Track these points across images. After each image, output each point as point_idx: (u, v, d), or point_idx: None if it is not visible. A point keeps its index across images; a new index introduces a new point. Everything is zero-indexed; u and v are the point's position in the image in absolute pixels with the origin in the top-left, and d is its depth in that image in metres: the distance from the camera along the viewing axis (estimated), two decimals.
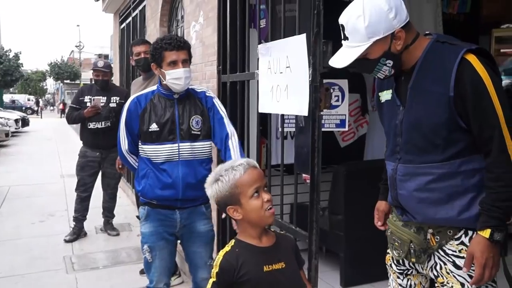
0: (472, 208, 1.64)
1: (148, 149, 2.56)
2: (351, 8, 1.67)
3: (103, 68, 4.83)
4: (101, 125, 4.78)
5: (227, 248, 1.69)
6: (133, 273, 4.00)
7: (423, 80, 1.67)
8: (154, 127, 2.55)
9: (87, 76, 44.29)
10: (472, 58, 1.57)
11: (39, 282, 3.90)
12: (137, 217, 2.76)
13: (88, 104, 4.78)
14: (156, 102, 2.60)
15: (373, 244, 3.68)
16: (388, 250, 1.97)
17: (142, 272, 3.95)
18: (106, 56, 34.51)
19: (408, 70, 1.72)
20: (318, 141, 2.07)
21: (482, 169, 1.62)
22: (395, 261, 1.93)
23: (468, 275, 1.65)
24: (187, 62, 2.56)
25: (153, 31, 5.26)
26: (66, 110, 4.96)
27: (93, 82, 5.05)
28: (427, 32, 1.78)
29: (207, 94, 2.68)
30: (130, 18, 7.03)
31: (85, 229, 5.14)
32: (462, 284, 1.66)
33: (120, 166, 3.79)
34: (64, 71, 48.26)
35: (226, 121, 2.65)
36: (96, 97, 4.77)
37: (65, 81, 50.49)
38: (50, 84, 71.42)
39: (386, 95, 1.85)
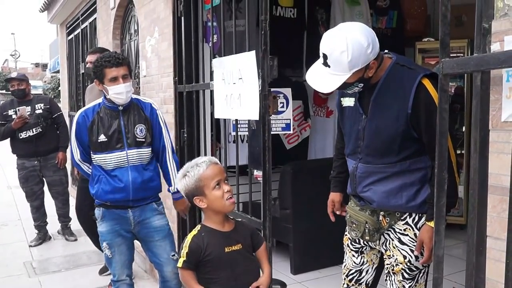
0: (417, 198, 2.00)
1: (98, 158, 2.78)
2: (335, 42, 1.86)
3: (17, 77, 5.02)
4: (32, 132, 4.91)
5: (194, 232, 2.02)
6: (96, 274, 4.20)
7: (384, 96, 1.99)
8: (102, 138, 2.76)
9: None
10: (426, 82, 1.89)
11: (3, 286, 4.02)
12: (93, 217, 2.97)
13: (14, 116, 4.88)
14: (102, 115, 2.79)
15: (318, 235, 4.12)
16: (346, 232, 2.31)
17: (101, 271, 4.17)
18: (45, 65, 33.48)
19: (371, 85, 2.01)
20: (268, 141, 2.43)
21: (426, 167, 1.99)
22: (352, 241, 2.28)
23: (410, 249, 2.03)
24: (127, 77, 2.76)
25: (106, 44, 5.46)
26: None
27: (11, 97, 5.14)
28: (386, 51, 2.06)
29: (152, 106, 2.92)
30: (78, 30, 7.14)
31: (49, 233, 5.30)
32: (404, 257, 2.04)
33: (76, 173, 4.01)
34: None
35: (165, 134, 2.92)
36: (20, 107, 4.87)
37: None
38: None
39: (348, 102, 2.17)
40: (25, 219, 6.22)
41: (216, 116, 2.93)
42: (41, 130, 4.91)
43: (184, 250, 1.95)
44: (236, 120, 2.86)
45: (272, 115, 2.54)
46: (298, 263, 4.07)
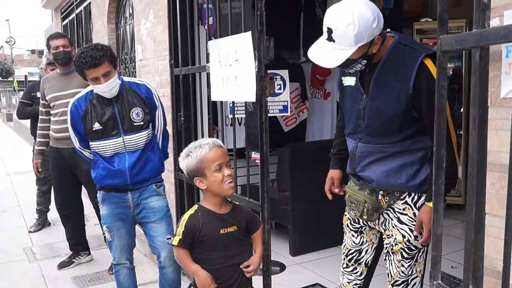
0: (417, 178, 1.99)
1: (95, 145, 2.77)
2: (340, 15, 1.82)
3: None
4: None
5: (191, 211, 2.03)
6: (96, 258, 4.21)
7: (385, 76, 1.95)
8: (97, 126, 2.73)
9: (21, 73, 42.48)
10: (428, 62, 1.86)
11: (3, 272, 4.04)
12: (95, 200, 2.98)
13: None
14: (95, 103, 2.75)
15: (317, 216, 4.14)
16: (346, 212, 2.31)
17: (60, 266, 4.11)
18: (41, 52, 33.27)
19: (373, 64, 1.97)
20: (265, 123, 2.41)
21: (426, 147, 1.97)
22: (351, 221, 2.28)
23: (409, 229, 2.03)
24: (109, 74, 2.65)
25: (101, 28, 5.41)
26: (17, 106, 4.98)
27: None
28: (388, 30, 2.01)
29: (147, 86, 2.87)
30: (73, 15, 7.08)
31: (48, 219, 5.31)
32: (403, 236, 2.04)
33: (39, 169, 4.09)
34: None
35: (160, 112, 2.88)
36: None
37: None
38: None
39: (349, 81, 2.14)
40: (24, 206, 6.24)
41: (212, 98, 2.91)
42: None
43: (180, 228, 1.96)
44: (233, 102, 2.85)
45: (269, 97, 2.52)
46: (297, 245, 4.09)
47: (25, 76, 35.34)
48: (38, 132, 4.14)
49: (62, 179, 3.99)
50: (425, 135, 1.97)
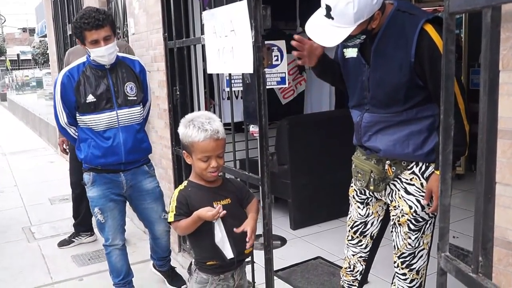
0: (424, 147, 1.95)
1: (87, 119, 2.67)
2: None
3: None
4: None
5: (181, 186, 1.98)
6: (95, 237, 4.19)
7: (385, 45, 1.90)
8: (90, 98, 2.64)
9: (13, 52, 41.94)
10: (429, 28, 1.81)
11: (2, 252, 4.02)
12: (82, 182, 2.87)
13: None
14: (88, 74, 2.66)
15: (317, 189, 4.11)
16: (352, 184, 2.25)
17: (60, 244, 4.06)
18: (33, 30, 32.77)
19: (373, 34, 1.92)
20: (263, 95, 2.34)
21: (434, 115, 1.92)
22: (357, 192, 2.23)
23: (416, 200, 1.98)
24: (109, 38, 2.60)
25: (91, 2, 5.26)
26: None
27: None
28: None
29: (140, 63, 2.84)
30: None
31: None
32: (410, 207, 2.00)
33: (65, 147, 3.82)
34: None
35: (149, 95, 2.90)
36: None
37: None
38: None
39: (351, 52, 2.08)
40: (21, 185, 6.21)
41: (208, 71, 2.84)
42: None
43: (173, 204, 1.92)
44: (230, 74, 2.77)
45: (267, 69, 2.45)
46: (297, 218, 4.08)
47: (18, 55, 34.89)
48: None
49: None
50: (432, 102, 1.91)
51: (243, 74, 2.67)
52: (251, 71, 2.36)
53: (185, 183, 2.01)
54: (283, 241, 3.85)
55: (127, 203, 2.97)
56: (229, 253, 1.91)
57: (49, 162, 7.79)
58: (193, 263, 2.06)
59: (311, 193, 4.08)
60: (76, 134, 2.78)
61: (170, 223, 1.94)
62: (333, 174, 4.00)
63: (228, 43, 2.54)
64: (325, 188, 4.09)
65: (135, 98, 2.75)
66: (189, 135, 1.88)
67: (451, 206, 1.41)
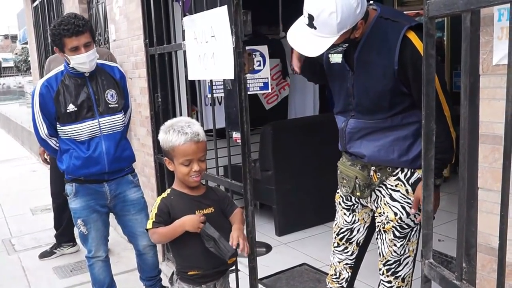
0: (410, 153, 1.93)
1: (69, 130, 2.59)
2: (323, 2, 1.72)
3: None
4: None
5: (164, 195, 1.94)
6: (77, 247, 4.11)
7: (369, 53, 1.88)
8: (71, 107, 2.57)
9: None
10: (412, 36, 1.79)
11: None
12: (64, 193, 2.78)
13: None
14: (68, 83, 2.59)
15: (301, 195, 4.09)
16: (338, 190, 2.23)
17: (41, 256, 3.98)
18: (15, 36, 32.39)
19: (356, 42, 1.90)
20: (245, 101, 2.31)
21: (419, 121, 1.85)
22: (343, 199, 2.20)
23: (401, 206, 1.96)
24: (90, 44, 2.54)
25: (72, 9, 5.20)
26: None
27: None
28: (371, 2, 1.92)
29: (120, 69, 2.79)
30: None
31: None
32: (395, 214, 1.97)
33: (46, 157, 3.66)
34: None
35: (130, 102, 2.86)
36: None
37: None
38: None
39: (336, 58, 2.04)
40: (1, 195, 6.09)
41: (189, 77, 2.80)
42: None
43: (154, 211, 1.89)
44: (211, 80, 2.73)
45: (249, 74, 2.42)
46: (282, 225, 4.04)
47: None
48: None
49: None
50: (418, 109, 1.89)
51: (224, 80, 2.63)
52: (232, 77, 2.33)
53: (168, 191, 1.97)
54: (268, 247, 3.81)
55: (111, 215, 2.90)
56: (228, 249, 1.85)
57: (32, 171, 7.66)
58: (175, 273, 2.01)
59: (295, 198, 4.05)
60: (57, 145, 2.71)
61: (147, 230, 1.90)
62: (317, 179, 3.98)
63: (209, 49, 2.51)
64: (310, 194, 4.07)
65: (117, 105, 2.69)
66: (169, 140, 1.85)
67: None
